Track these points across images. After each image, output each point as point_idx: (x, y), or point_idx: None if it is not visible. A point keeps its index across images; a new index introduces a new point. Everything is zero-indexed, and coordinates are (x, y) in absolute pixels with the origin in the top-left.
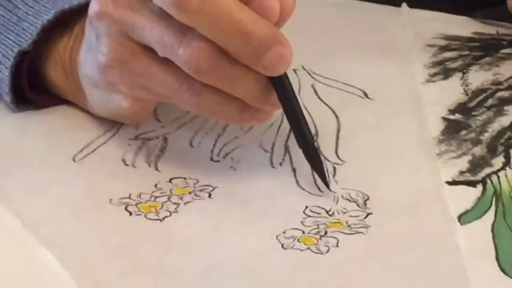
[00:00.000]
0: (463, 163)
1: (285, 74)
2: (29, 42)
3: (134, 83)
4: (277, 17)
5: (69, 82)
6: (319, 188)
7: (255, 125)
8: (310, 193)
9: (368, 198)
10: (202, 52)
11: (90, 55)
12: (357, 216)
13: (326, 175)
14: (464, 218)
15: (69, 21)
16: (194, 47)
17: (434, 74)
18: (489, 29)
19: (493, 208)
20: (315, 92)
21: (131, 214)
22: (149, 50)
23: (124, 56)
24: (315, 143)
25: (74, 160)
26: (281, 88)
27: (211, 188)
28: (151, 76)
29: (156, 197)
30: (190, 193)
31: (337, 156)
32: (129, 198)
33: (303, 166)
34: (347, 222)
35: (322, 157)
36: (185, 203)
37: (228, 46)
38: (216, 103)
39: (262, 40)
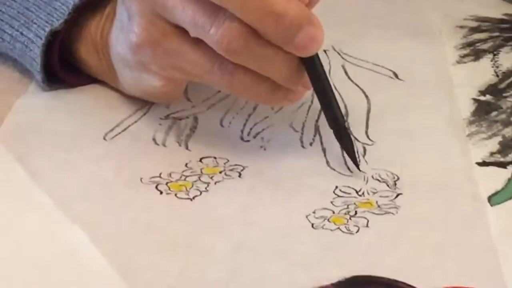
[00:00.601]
0: (494, 144)
1: (317, 54)
2: (60, 21)
3: (165, 63)
4: None
5: (100, 61)
6: (349, 169)
7: (286, 105)
8: (340, 173)
9: (398, 179)
10: (233, 32)
11: (122, 35)
12: (387, 197)
13: (356, 155)
14: (494, 199)
15: (100, 0)
16: (225, 27)
17: (465, 56)
18: None
19: None
20: (346, 72)
21: (161, 193)
22: (181, 30)
23: (155, 35)
24: (346, 124)
25: (105, 139)
26: (312, 69)
27: (241, 168)
28: (183, 56)
29: (186, 176)
30: (220, 172)
31: (367, 136)
32: (160, 177)
33: (333, 146)
34: (377, 202)
35: (352, 138)
36: (215, 183)
37: (259, 26)
38: (247, 83)
39: (294, 20)
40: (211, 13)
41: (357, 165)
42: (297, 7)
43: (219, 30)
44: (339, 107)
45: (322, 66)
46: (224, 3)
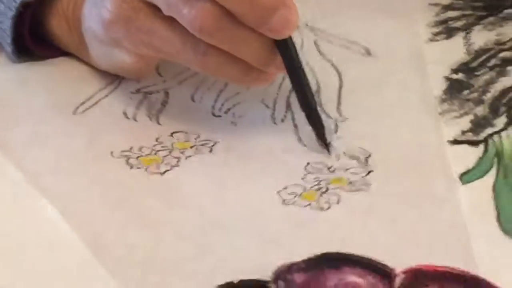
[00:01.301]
0: (465, 122)
1: (290, 37)
2: None
3: (138, 40)
4: None
5: (72, 34)
6: (320, 145)
7: (258, 86)
8: (312, 149)
9: (369, 156)
10: (207, 13)
11: (94, 10)
12: (358, 174)
13: (328, 137)
14: (465, 177)
15: None
16: (199, 8)
17: (437, 33)
18: None
19: (494, 168)
20: (318, 48)
21: (132, 167)
22: (154, 8)
23: (128, 12)
24: (318, 106)
25: (75, 113)
26: (286, 51)
27: (212, 143)
28: (155, 34)
29: (157, 151)
30: (191, 147)
31: (339, 113)
32: (130, 151)
33: (305, 123)
34: (348, 179)
35: (324, 116)
36: (186, 158)
37: (233, 8)
38: (220, 64)
39: (269, 3)
40: None
41: (328, 150)
42: None
43: (193, 10)
44: (311, 90)
45: (295, 48)
46: None
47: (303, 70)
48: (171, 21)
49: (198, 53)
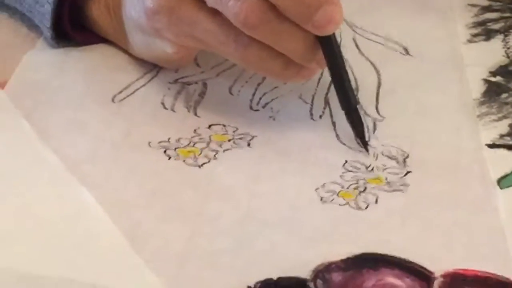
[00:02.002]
0: (504, 126)
1: (333, 34)
2: None
3: (180, 31)
4: None
5: (112, 21)
6: (359, 144)
7: (298, 82)
8: (350, 147)
9: (407, 156)
10: (252, 6)
11: None
12: (396, 174)
13: (367, 136)
14: (503, 182)
15: None
16: (244, 1)
17: (476, 35)
18: None
19: None
20: (356, 45)
21: (169, 158)
22: None
23: (172, 2)
24: (357, 105)
25: (113, 101)
26: (328, 48)
27: (250, 137)
28: (198, 25)
29: (195, 143)
30: (229, 140)
31: (377, 111)
32: (168, 142)
33: (343, 120)
34: (386, 179)
35: (362, 114)
36: (224, 151)
37: (279, 2)
38: (261, 58)
39: None
40: None
41: (367, 149)
42: None
43: (238, 3)
44: (351, 89)
45: (338, 45)
46: None
47: (344, 68)
48: (214, 12)
49: (240, 46)
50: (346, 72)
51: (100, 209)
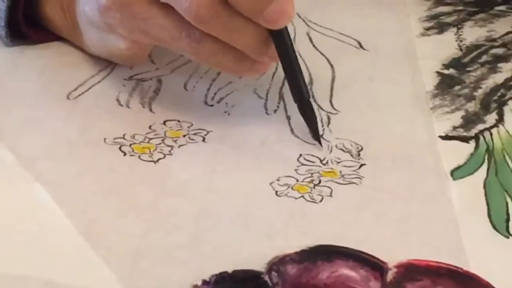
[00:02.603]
0: (457, 118)
1: (285, 27)
2: None
3: (133, 27)
4: None
5: (66, 19)
6: (313, 137)
7: (251, 76)
8: (304, 141)
9: (361, 149)
10: (203, 0)
11: None
12: (350, 167)
13: (321, 129)
14: (456, 173)
15: None
16: None
17: (429, 28)
18: None
19: (485, 164)
20: (310, 40)
21: (125, 154)
22: None
23: None
24: (311, 98)
25: (68, 98)
26: (280, 41)
27: (205, 132)
28: (151, 21)
29: (150, 139)
30: (184, 136)
31: (332, 105)
32: (123, 138)
33: (298, 114)
34: (340, 172)
35: (316, 108)
36: (179, 146)
37: None
38: (214, 52)
39: None
40: None
41: (320, 142)
42: None
43: None
44: (304, 82)
45: (290, 39)
46: None
47: (297, 61)
48: (167, 8)
49: (193, 41)
50: (299, 66)
51: (55, 205)
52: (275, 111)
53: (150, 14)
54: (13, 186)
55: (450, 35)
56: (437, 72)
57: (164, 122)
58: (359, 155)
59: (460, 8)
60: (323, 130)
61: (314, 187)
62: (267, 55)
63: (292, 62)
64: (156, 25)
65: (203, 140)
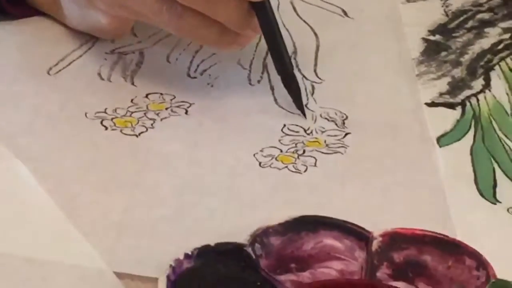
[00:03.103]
0: (443, 84)
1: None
2: None
3: (113, 1)
4: None
5: None
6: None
7: (234, 49)
8: (288, 111)
9: (346, 118)
10: None
11: None
12: (335, 136)
13: (304, 101)
14: (443, 140)
15: None
16: None
17: None
18: None
19: (472, 131)
20: (294, 9)
21: (106, 128)
22: None
23: None
24: (295, 69)
25: (49, 73)
26: (263, 13)
27: (188, 105)
28: None
29: (132, 112)
30: (166, 109)
31: (316, 74)
32: (105, 112)
33: (282, 84)
34: (325, 141)
35: (300, 77)
36: (161, 119)
37: None
38: (196, 26)
39: None
40: None
41: (304, 113)
42: None
43: None
44: (287, 54)
45: (272, 11)
46: None
47: (280, 33)
48: None
49: (174, 15)
50: (281, 37)
51: (35, 181)
52: (258, 81)
53: None
54: None
55: (436, 1)
56: (423, 39)
57: (147, 95)
58: (343, 123)
59: None
60: (307, 99)
61: (298, 157)
62: (250, 27)
63: (275, 34)
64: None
65: (186, 113)
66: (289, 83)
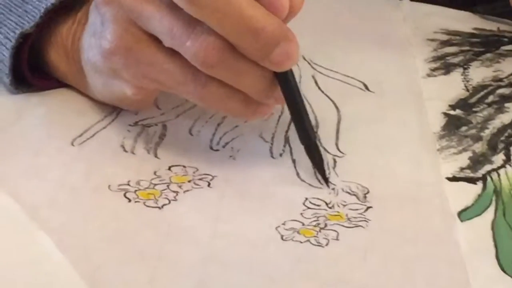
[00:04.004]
0: (464, 159)
1: (290, 69)
2: (31, 24)
3: (137, 72)
4: (286, 14)
5: (70, 66)
6: (319, 181)
7: (257, 119)
8: (310, 185)
9: (368, 192)
10: (210, 45)
11: (94, 40)
12: (357, 210)
13: (327, 171)
14: (464, 214)
15: (73, 5)
16: (202, 41)
17: (435, 69)
18: (490, 25)
19: (493, 205)
20: (316, 83)
21: (130, 201)
22: (155, 39)
23: (129, 43)
24: (317, 140)
25: (73, 145)
26: (286, 84)
27: (210, 177)
28: (156, 66)
29: (155, 185)
30: (189, 181)
31: (337, 148)
32: (128, 184)
33: (303, 157)
34: (347, 215)
35: (322, 150)
36: (184, 192)
37: (236, 41)
38: (220, 96)
39: (271, 36)
40: (189, 25)
41: (327, 183)
42: (274, 22)
43: (196, 43)
44: (310, 123)
45: (295, 80)
46: (202, 17)
47: (302, 103)
48: (172, 53)
49: (199, 85)
50: (304, 107)
51: (59, 254)
52: (280, 155)
53: (154, 59)
54: (17, 235)
55: (456, 75)
56: (444, 113)
57: (169, 168)
58: (365, 197)
59: (467, 48)
60: (329, 173)
61: (320, 231)
62: (273, 97)
63: (298, 103)
64: (161, 70)
65: (209, 185)
66: (312, 152)
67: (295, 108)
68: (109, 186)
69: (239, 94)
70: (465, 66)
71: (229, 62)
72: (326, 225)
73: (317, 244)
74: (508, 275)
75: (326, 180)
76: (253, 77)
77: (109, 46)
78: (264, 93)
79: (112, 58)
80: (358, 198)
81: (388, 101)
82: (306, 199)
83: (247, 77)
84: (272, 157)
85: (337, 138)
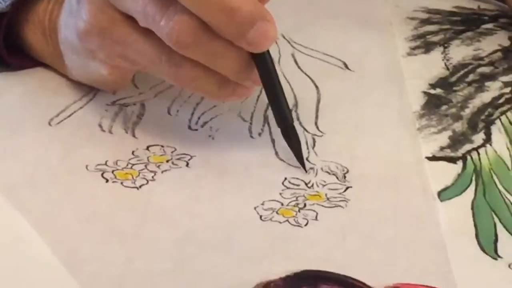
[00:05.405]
0: (444, 138)
1: (267, 50)
2: (7, 3)
3: (113, 52)
4: None
5: (48, 45)
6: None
7: (234, 101)
8: (289, 164)
9: (347, 171)
10: (184, 25)
11: (70, 20)
12: (336, 189)
13: (305, 153)
14: (443, 194)
15: None
16: (176, 20)
17: (415, 48)
18: (470, 4)
19: (473, 185)
20: (295, 61)
21: (107, 181)
22: (130, 19)
23: (104, 23)
24: (296, 120)
25: (50, 124)
26: (263, 65)
27: (188, 157)
28: (131, 45)
29: (133, 165)
30: (167, 161)
31: (317, 127)
32: (106, 164)
33: (282, 137)
34: (326, 195)
35: (301, 130)
36: (162, 172)
37: (211, 21)
38: (195, 77)
39: (247, 16)
40: (163, 5)
41: (304, 166)
42: (250, 2)
43: (170, 22)
44: (287, 106)
45: (272, 62)
46: None
47: (279, 85)
48: (147, 32)
49: (173, 65)
50: (281, 89)
51: (36, 235)
52: (259, 134)
53: (130, 39)
54: None
55: (436, 54)
56: (424, 92)
57: (147, 147)
58: (344, 177)
59: (447, 27)
60: (308, 152)
61: (299, 211)
62: (250, 78)
63: (275, 85)
64: (136, 50)
65: (187, 165)
66: (289, 135)
67: (271, 90)
68: (86, 166)
69: (215, 75)
70: (445, 45)
71: (204, 42)
72: (305, 205)
73: (296, 224)
74: (488, 255)
75: (303, 164)
76: (228, 58)
77: (85, 27)
78: (240, 74)
79: (88, 39)
80: (337, 177)
81: (368, 81)
82: (285, 178)
83: (223, 58)
84: (251, 136)
85: (316, 117)
